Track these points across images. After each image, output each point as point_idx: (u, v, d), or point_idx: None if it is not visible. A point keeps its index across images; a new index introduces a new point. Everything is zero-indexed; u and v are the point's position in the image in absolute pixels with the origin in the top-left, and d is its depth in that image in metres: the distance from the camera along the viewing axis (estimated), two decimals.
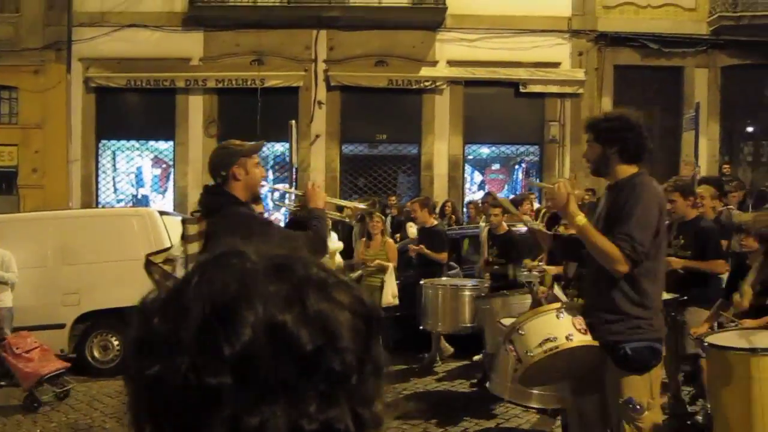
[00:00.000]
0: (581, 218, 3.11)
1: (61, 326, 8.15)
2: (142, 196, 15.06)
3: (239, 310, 0.59)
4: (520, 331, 3.24)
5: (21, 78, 14.45)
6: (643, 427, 3.04)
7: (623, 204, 3.10)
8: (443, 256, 7.48)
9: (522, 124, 14.51)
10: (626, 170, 3.20)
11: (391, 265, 7.48)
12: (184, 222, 3.28)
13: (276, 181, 14.91)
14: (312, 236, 3.07)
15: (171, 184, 14.89)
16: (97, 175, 14.77)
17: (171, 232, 7.33)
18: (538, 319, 3.25)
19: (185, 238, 3.24)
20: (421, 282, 6.35)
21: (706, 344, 3.74)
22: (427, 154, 14.56)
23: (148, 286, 7.85)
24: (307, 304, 0.61)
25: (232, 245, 0.67)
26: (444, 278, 6.82)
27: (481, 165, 15.25)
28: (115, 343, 8.22)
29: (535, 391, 4.62)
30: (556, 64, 14.34)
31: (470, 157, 15.00)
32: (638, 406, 2.99)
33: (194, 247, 3.17)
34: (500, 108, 14.37)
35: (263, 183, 3.20)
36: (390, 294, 7.33)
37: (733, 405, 3.50)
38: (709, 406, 4.19)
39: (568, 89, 14.28)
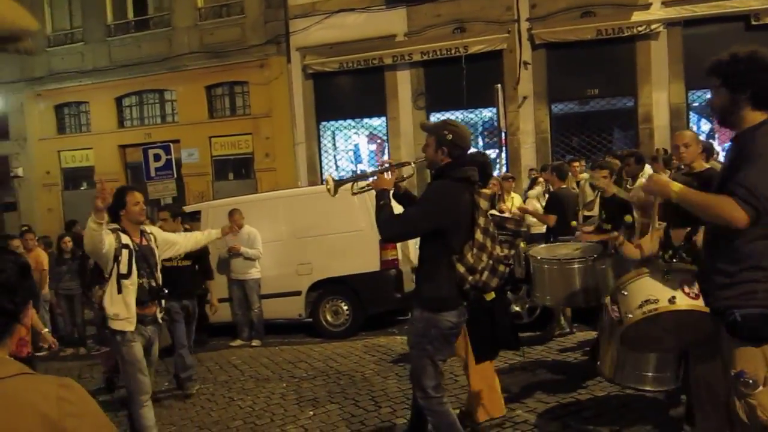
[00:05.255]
0: (675, 185, 2.81)
1: (298, 293, 9.04)
2: (361, 171, 15.97)
3: None
4: (623, 292, 3.09)
5: (249, 73, 16.06)
6: (756, 405, 2.67)
7: (744, 156, 2.69)
8: (547, 218, 7.57)
9: None
10: (755, 117, 2.76)
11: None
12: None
13: (485, 146, 14.92)
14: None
15: (386, 158, 15.59)
16: (320, 155, 15.95)
17: None
18: (642, 279, 3.05)
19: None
20: (527, 254, 5.96)
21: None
22: (644, 105, 13.61)
23: (371, 255, 8.27)
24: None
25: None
26: (542, 246, 6.27)
27: (708, 112, 13.87)
28: (345, 308, 8.91)
29: (649, 374, 4.29)
30: None
31: (695, 104, 13.74)
32: (750, 381, 2.66)
33: None
34: (727, 46, 12.45)
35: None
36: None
37: None
38: None
39: None
